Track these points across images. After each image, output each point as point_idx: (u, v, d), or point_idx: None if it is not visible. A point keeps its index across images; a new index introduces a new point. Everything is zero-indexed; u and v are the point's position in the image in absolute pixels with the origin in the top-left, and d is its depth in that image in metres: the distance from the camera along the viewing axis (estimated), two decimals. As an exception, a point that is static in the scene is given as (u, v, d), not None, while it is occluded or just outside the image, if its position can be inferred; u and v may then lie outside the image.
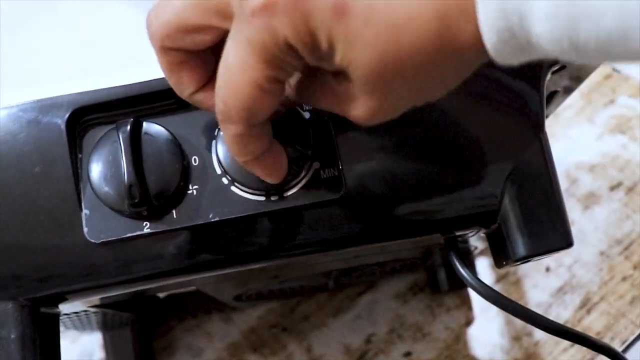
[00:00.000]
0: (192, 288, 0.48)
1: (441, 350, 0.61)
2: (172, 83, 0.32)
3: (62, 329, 0.50)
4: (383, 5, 0.25)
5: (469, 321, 0.62)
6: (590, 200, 0.68)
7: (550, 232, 0.38)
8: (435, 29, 0.25)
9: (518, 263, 0.39)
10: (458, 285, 0.61)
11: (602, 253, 0.65)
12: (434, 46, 0.26)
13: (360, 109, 0.29)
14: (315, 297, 0.64)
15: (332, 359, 0.62)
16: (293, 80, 0.32)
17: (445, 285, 0.61)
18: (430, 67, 0.27)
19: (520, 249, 0.37)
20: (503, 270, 0.64)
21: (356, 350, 0.62)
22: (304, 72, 0.31)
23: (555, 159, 0.73)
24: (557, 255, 0.65)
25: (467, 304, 0.63)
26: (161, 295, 0.53)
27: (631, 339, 0.61)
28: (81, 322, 0.50)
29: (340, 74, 0.28)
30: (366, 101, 0.28)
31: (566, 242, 0.38)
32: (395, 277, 0.63)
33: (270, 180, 0.33)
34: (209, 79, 0.32)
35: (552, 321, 0.40)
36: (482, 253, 0.61)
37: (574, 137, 0.72)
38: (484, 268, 0.64)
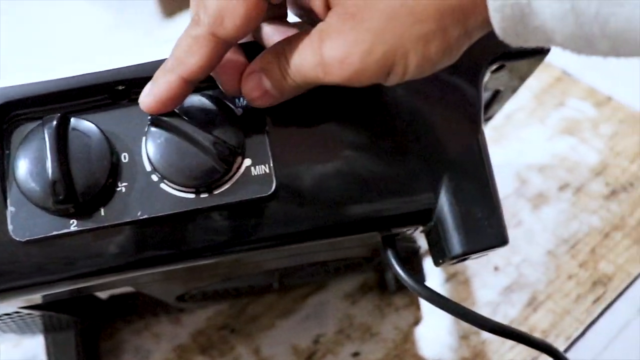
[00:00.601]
0: (131, 289, 0.47)
1: (389, 350, 0.61)
2: None
3: (-1, 332, 0.49)
4: None
5: (417, 321, 0.62)
6: (539, 200, 0.69)
7: (485, 230, 0.38)
8: None
9: (454, 261, 0.39)
10: (405, 286, 0.61)
11: (549, 252, 0.65)
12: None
13: (340, 43, 0.29)
14: (264, 298, 0.64)
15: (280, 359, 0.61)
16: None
17: (393, 285, 0.61)
18: (421, 14, 0.28)
19: (456, 247, 0.37)
20: (452, 270, 0.65)
21: (304, 350, 0.62)
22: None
23: (506, 160, 0.74)
24: (506, 254, 0.65)
25: (415, 303, 0.63)
26: (103, 296, 0.52)
27: (575, 335, 0.61)
28: (17, 325, 0.49)
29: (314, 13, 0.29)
30: (341, 35, 0.29)
31: (501, 240, 0.38)
32: (344, 277, 0.63)
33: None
34: None
35: (487, 319, 0.40)
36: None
37: (525, 138, 0.73)
38: (434, 268, 0.64)
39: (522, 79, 0.48)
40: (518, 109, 0.75)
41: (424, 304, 0.63)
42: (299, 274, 0.51)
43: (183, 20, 0.98)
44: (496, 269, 0.65)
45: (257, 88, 0.33)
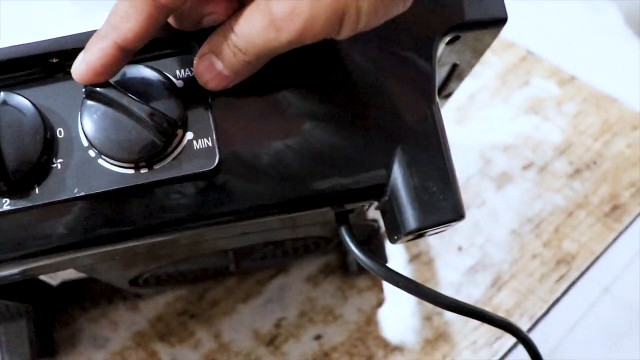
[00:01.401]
0: (81, 273, 0.45)
1: (352, 333, 0.60)
2: None
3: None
4: None
5: (380, 302, 0.62)
6: (503, 179, 0.68)
7: (440, 203, 0.37)
8: None
9: (410, 237, 0.38)
10: (368, 267, 0.60)
11: (513, 232, 0.65)
12: None
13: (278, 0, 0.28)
14: (224, 282, 0.62)
15: (241, 344, 0.60)
16: None
17: (354, 266, 0.60)
18: None
19: (411, 222, 0.36)
20: (415, 250, 0.64)
21: (266, 334, 0.60)
22: None
23: (470, 140, 0.73)
24: (470, 234, 0.65)
25: (378, 285, 0.62)
26: (53, 282, 0.51)
27: (539, 314, 0.61)
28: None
29: None
30: None
31: (457, 213, 0.37)
32: (305, 260, 0.62)
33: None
34: None
35: (446, 297, 0.39)
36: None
37: (488, 118, 0.72)
38: (396, 248, 0.63)
39: (480, 52, 0.47)
40: (481, 88, 0.74)
41: (387, 286, 0.62)
42: (256, 255, 0.50)
43: None
44: (460, 249, 0.64)
45: (208, 70, 0.32)
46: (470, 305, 0.39)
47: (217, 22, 0.32)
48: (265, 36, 0.30)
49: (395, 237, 0.38)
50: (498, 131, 0.71)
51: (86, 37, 0.32)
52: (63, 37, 0.33)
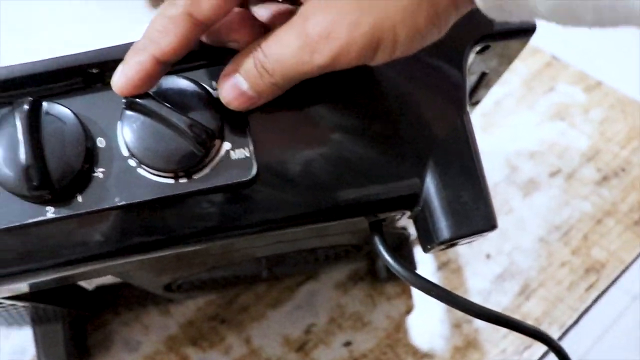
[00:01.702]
0: (117, 279, 0.46)
1: (381, 339, 0.61)
2: None
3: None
4: None
5: (409, 309, 0.62)
6: (530, 187, 0.68)
7: (473, 213, 0.37)
8: None
9: (443, 247, 0.38)
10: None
11: (541, 239, 0.65)
12: None
13: (322, 21, 0.29)
14: (254, 288, 0.63)
15: (271, 350, 0.61)
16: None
17: (384, 273, 0.60)
18: None
19: (444, 232, 0.37)
20: (444, 258, 0.64)
21: (296, 340, 0.61)
22: None
23: (496, 146, 0.73)
24: (498, 242, 0.65)
25: (407, 292, 0.62)
26: (89, 287, 0.52)
27: (569, 323, 0.61)
28: (3, 317, 0.48)
29: None
30: (326, 10, 0.29)
31: (490, 223, 0.37)
32: (335, 266, 0.62)
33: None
34: None
35: (477, 305, 0.39)
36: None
37: (514, 124, 0.72)
38: (425, 256, 0.63)
39: (508, 61, 0.47)
40: (507, 95, 0.74)
41: (416, 293, 0.62)
42: (288, 262, 0.51)
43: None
44: (488, 256, 0.64)
45: (232, 90, 0.32)
46: (503, 314, 0.39)
47: (240, 49, 0.33)
48: (298, 58, 0.30)
49: (429, 247, 0.39)
50: (524, 138, 0.71)
51: (125, 48, 0.33)
52: (103, 48, 0.34)
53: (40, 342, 0.59)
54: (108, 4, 1.02)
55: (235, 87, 0.32)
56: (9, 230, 0.33)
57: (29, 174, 0.31)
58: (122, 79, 0.32)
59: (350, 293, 0.63)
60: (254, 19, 0.34)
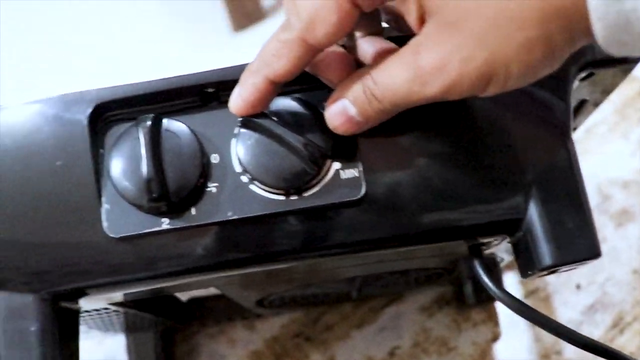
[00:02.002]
0: (215, 291, 0.47)
1: (466, 366, 0.60)
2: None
3: (86, 328, 0.50)
4: None
5: (495, 337, 0.61)
6: (623, 217, 0.66)
7: (577, 241, 0.36)
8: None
9: (544, 273, 0.38)
10: (485, 299, 0.60)
11: (635, 271, 0.63)
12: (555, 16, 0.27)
13: (436, 55, 0.29)
14: (340, 307, 0.64)
15: (354, 370, 0.61)
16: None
17: (471, 298, 0.60)
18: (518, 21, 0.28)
19: (546, 258, 0.36)
20: (532, 286, 0.63)
21: (379, 362, 0.61)
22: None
23: (588, 174, 0.71)
24: (589, 272, 0.63)
25: (493, 319, 0.62)
26: (183, 298, 0.53)
27: (665, 360, 0.59)
28: (103, 322, 0.50)
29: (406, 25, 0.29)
30: (439, 44, 0.29)
31: (594, 252, 0.37)
32: (421, 289, 0.62)
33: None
34: None
35: (581, 335, 0.38)
36: (509, 267, 0.60)
37: (607, 153, 0.71)
38: (512, 283, 0.63)
39: (610, 89, 0.46)
40: (599, 122, 0.73)
41: (503, 320, 0.61)
42: (379, 283, 0.51)
43: (252, 35, 1.00)
44: (578, 287, 0.63)
45: (340, 115, 0.33)
46: (612, 347, 0.38)
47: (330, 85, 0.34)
48: (408, 88, 0.30)
49: (529, 272, 0.38)
50: (617, 167, 0.70)
51: (239, 69, 0.34)
52: (219, 69, 0.36)
53: (133, 349, 0.61)
54: (192, 27, 1.05)
55: (343, 112, 0.33)
56: (126, 238, 0.35)
57: (150, 186, 0.33)
58: (238, 100, 0.33)
59: (436, 317, 0.63)
60: (351, 62, 0.34)
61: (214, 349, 0.64)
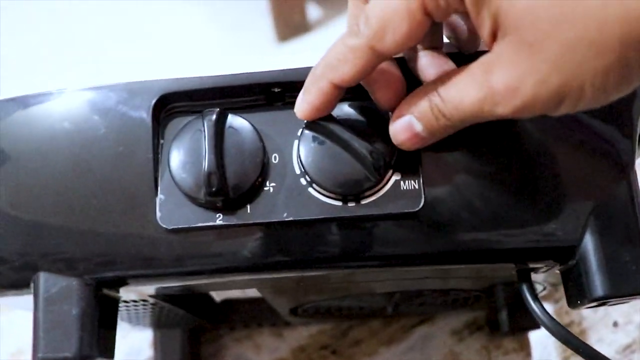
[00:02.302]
0: (251, 294, 0.47)
1: (494, 394, 0.59)
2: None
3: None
4: None
5: (526, 367, 0.60)
6: (665, 258, 0.65)
7: (631, 275, 0.36)
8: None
9: (593, 304, 0.37)
10: (519, 328, 0.59)
11: (675, 314, 0.62)
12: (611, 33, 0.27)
13: (509, 75, 0.29)
14: (369, 323, 0.63)
15: (380, 388, 0.60)
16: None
17: (506, 326, 0.59)
18: (595, 48, 0.27)
19: (598, 289, 0.36)
20: (567, 319, 0.62)
21: (406, 382, 0.60)
22: None
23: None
24: (628, 311, 0.62)
25: (525, 349, 0.60)
26: (218, 298, 0.53)
27: (700, 407, 0.57)
28: (137, 314, 0.50)
29: (488, 35, 0.29)
30: (518, 62, 0.28)
31: (647, 287, 0.36)
32: (453, 312, 0.61)
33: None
34: None
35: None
36: (545, 298, 0.59)
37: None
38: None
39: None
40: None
41: (535, 351, 0.60)
42: (417, 300, 0.50)
43: (295, 45, 1.00)
44: (615, 324, 0.61)
45: (406, 131, 0.33)
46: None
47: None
48: (478, 107, 0.30)
49: (579, 302, 0.38)
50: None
51: (305, 72, 0.34)
52: (287, 69, 0.36)
53: (159, 345, 0.61)
54: (239, 34, 1.06)
55: (409, 128, 0.33)
56: (178, 230, 0.34)
57: (210, 180, 0.33)
58: (304, 104, 0.33)
59: (466, 342, 0.62)
60: (403, 84, 0.34)
61: (240, 353, 0.63)
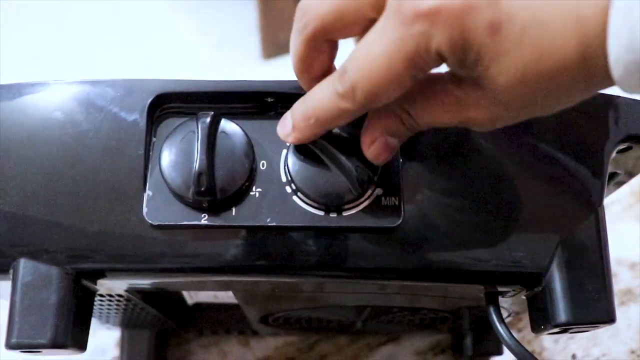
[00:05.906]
0: (224, 299, 0.48)
1: (453, 417, 0.60)
2: (299, 68, 0.33)
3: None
4: (534, 31, 0.27)
5: (486, 392, 0.61)
6: (626, 297, 0.67)
7: (594, 303, 0.37)
8: (575, 59, 0.27)
9: (556, 330, 0.39)
10: (482, 353, 0.60)
11: (632, 352, 0.63)
12: (570, 73, 0.28)
13: (482, 115, 0.30)
14: (336, 339, 0.64)
15: (342, 403, 0.61)
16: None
17: (469, 350, 0.60)
18: (562, 89, 0.28)
19: (562, 315, 0.37)
20: (528, 348, 0.63)
21: (367, 399, 0.61)
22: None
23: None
24: (587, 344, 0.64)
25: (488, 374, 0.62)
26: (190, 301, 0.54)
27: None
28: (108, 312, 0.50)
29: (466, 82, 0.30)
30: (493, 109, 0.30)
31: (609, 317, 0.38)
32: (419, 334, 0.63)
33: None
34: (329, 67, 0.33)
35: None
36: (508, 325, 0.60)
37: (618, 231, 0.72)
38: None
39: (634, 174, 0.48)
40: (614, 201, 0.74)
41: (498, 377, 0.62)
42: (386, 317, 0.51)
43: (280, 63, 1.02)
44: (574, 357, 0.63)
45: (385, 150, 0.33)
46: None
47: None
48: (450, 123, 0.32)
49: (542, 327, 0.39)
50: (627, 247, 0.71)
51: (299, 84, 0.35)
52: (281, 81, 0.37)
53: (126, 345, 0.61)
54: (223, 51, 1.08)
55: (385, 148, 0.33)
56: (163, 227, 0.35)
57: (200, 179, 0.34)
58: (290, 138, 0.34)
59: (429, 364, 0.63)
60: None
61: (205, 359, 0.64)
